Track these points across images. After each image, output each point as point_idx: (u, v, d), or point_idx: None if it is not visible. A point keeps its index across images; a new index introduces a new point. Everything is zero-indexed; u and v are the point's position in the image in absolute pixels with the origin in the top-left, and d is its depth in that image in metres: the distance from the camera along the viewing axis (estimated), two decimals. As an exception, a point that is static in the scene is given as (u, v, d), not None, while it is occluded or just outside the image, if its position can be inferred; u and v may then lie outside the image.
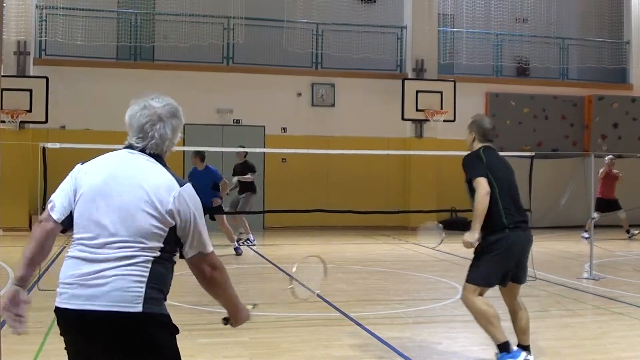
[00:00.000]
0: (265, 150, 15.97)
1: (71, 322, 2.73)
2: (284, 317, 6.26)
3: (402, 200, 17.42)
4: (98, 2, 16.75)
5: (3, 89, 13.83)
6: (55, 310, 2.80)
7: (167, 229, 2.71)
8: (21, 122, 15.19)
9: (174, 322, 2.80)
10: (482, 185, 5.16)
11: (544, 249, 13.06)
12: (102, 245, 2.69)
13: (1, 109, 14.19)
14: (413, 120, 17.42)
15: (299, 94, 17.65)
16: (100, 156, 2.89)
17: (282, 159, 17.09)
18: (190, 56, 16.82)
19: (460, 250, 14.12)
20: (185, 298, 7.63)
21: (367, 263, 11.39)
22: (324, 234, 15.68)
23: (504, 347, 4.98)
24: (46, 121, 15.24)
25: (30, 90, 15.00)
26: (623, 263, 12.07)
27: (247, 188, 13.23)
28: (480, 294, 5.11)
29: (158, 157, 2.85)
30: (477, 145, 5.57)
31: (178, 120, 2.90)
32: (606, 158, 15.11)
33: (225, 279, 2.85)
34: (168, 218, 2.70)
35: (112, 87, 16.52)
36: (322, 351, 5.83)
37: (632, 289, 8.97)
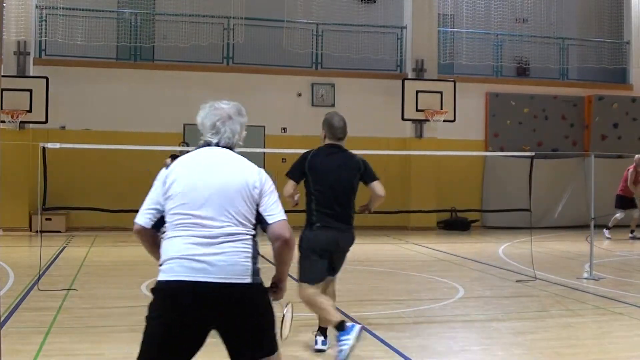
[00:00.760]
0: (265, 150, 15.95)
1: (184, 293, 3.06)
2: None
3: (402, 200, 17.40)
4: (98, 2, 16.75)
5: (3, 89, 13.84)
6: (161, 284, 3.13)
7: (255, 207, 3.22)
8: (21, 122, 15.18)
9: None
10: (286, 185, 5.43)
11: (544, 249, 13.06)
12: (210, 227, 3.12)
13: (1, 109, 14.18)
14: (413, 120, 17.41)
15: (299, 94, 17.65)
16: (185, 155, 3.31)
17: (282, 159, 17.04)
18: (190, 56, 16.81)
19: (460, 250, 14.14)
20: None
21: (367, 263, 11.39)
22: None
23: (340, 327, 5.15)
24: (46, 121, 15.23)
25: (30, 90, 14.99)
26: (623, 263, 12.07)
27: None
28: (317, 289, 5.42)
29: (231, 149, 3.34)
30: (326, 142, 5.58)
31: (244, 117, 3.41)
32: (636, 157, 15.18)
33: (294, 244, 3.31)
34: (257, 197, 3.22)
35: (112, 87, 16.54)
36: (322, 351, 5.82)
37: (632, 289, 8.98)
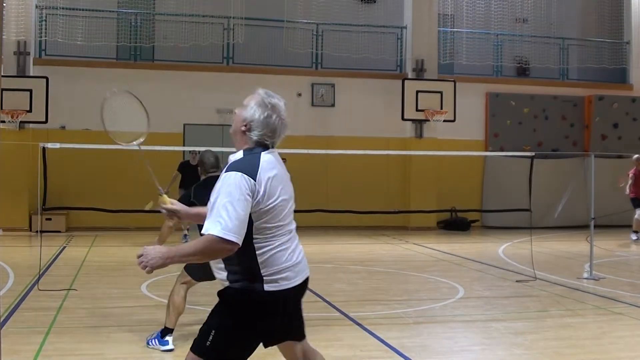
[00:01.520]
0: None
1: (293, 295, 3.33)
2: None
3: (402, 200, 17.42)
4: (98, 2, 16.75)
5: (3, 89, 13.84)
6: (274, 294, 3.24)
7: None
8: (21, 122, 15.18)
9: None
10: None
11: (544, 249, 13.06)
12: (294, 229, 3.38)
13: (1, 109, 14.19)
14: (413, 120, 17.41)
15: (299, 94, 17.65)
16: (264, 160, 3.24)
17: (282, 159, 17.06)
18: (190, 56, 16.81)
19: (460, 250, 14.13)
20: (185, 298, 7.64)
21: (367, 263, 11.39)
22: (324, 234, 15.69)
23: (165, 332, 5.75)
24: (46, 121, 15.23)
25: (30, 90, 14.99)
26: (623, 263, 12.07)
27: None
28: (189, 285, 5.90)
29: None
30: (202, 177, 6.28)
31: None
32: (634, 157, 15.16)
33: None
34: None
35: (112, 87, 16.41)
36: (322, 351, 5.81)
37: (632, 289, 8.98)
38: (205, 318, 3.34)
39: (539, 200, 14.63)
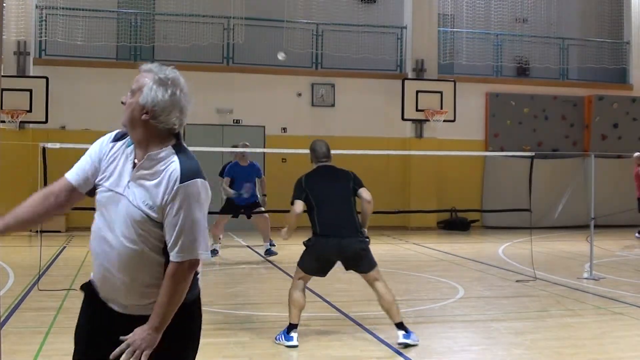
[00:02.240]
0: (265, 150, 15.96)
1: None
2: (284, 317, 6.25)
3: (402, 200, 17.41)
4: (98, 2, 16.74)
5: (3, 89, 13.83)
6: None
7: None
8: (21, 122, 15.19)
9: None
10: (294, 206, 6.16)
11: (544, 249, 13.06)
12: None
13: (1, 109, 14.19)
14: (413, 120, 17.41)
15: (299, 94, 17.65)
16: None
17: (282, 159, 17.07)
18: (190, 56, 16.81)
19: (460, 250, 14.12)
20: (185, 298, 7.63)
21: (367, 263, 11.37)
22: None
23: (290, 328, 5.96)
24: (46, 121, 15.23)
25: (30, 90, 14.99)
26: (623, 263, 12.06)
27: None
28: (305, 280, 6.13)
29: None
30: (313, 165, 6.45)
31: None
32: (634, 155, 15.15)
33: None
34: None
35: (112, 87, 16.46)
36: (322, 351, 5.83)
37: (632, 289, 8.98)
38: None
39: (539, 200, 14.65)
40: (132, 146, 2.71)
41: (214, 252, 11.31)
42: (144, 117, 2.61)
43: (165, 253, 2.64)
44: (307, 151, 6.70)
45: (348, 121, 17.56)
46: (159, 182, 2.60)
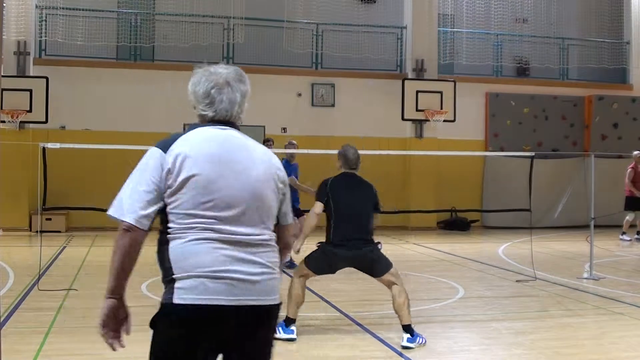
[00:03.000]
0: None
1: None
2: (283, 316, 6.26)
3: (402, 200, 17.40)
4: (98, 2, 16.75)
5: (3, 89, 13.82)
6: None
7: (279, 205, 2.90)
8: (21, 122, 15.19)
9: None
10: (314, 206, 6.21)
11: (544, 249, 13.06)
12: (242, 234, 2.73)
13: (1, 109, 14.19)
14: (413, 120, 17.41)
15: (299, 94, 17.65)
16: (189, 138, 2.72)
17: (282, 159, 17.08)
18: (190, 56, 16.77)
19: (460, 250, 14.12)
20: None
21: (367, 263, 11.36)
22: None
23: (287, 322, 6.05)
24: (46, 121, 15.23)
25: (30, 90, 14.99)
26: (623, 263, 12.07)
27: None
28: (307, 277, 6.25)
29: (235, 126, 2.82)
30: (340, 170, 6.49)
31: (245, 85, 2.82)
32: (634, 153, 15.13)
33: None
34: (282, 192, 2.87)
35: (112, 87, 16.54)
36: (321, 351, 5.83)
37: (632, 289, 8.98)
38: None
39: (539, 200, 14.64)
40: None
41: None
42: (194, 109, 2.78)
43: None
44: (308, 151, 6.78)
45: (348, 121, 17.55)
46: None
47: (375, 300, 8.25)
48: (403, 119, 17.05)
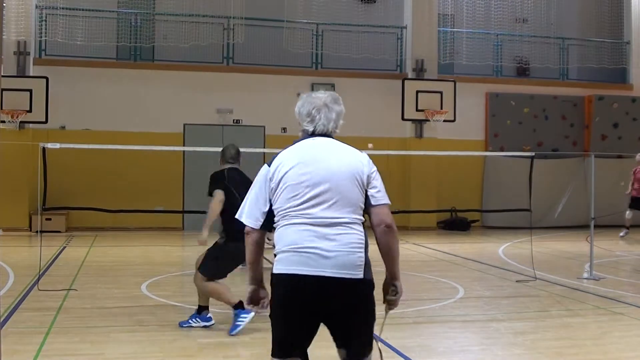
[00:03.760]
0: (265, 150, 15.94)
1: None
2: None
3: (402, 200, 17.40)
4: (98, 2, 16.74)
5: (3, 89, 13.84)
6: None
7: (365, 192, 3.46)
8: (21, 122, 15.18)
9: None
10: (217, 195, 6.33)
11: (544, 249, 13.06)
12: (324, 217, 3.34)
13: (1, 109, 14.19)
14: (413, 120, 17.41)
15: (299, 94, 17.60)
16: (290, 149, 3.42)
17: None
18: (190, 56, 16.81)
19: (460, 250, 14.11)
20: (184, 298, 7.63)
21: (367, 263, 11.36)
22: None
23: (238, 306, 6.19)
24: (46, 121, 15.23)
25: (30, 90, 14.99)
26: (623, 263, 12.07)
27: None
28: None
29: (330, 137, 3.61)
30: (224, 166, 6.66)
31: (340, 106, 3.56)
32: (637, 155, 15.20)
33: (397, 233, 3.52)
34: (366, 182, 3.44)
35: (112, 87, 16.53)
36: (321, 351, 5.81)
37: (632, 289, 8.98)
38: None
39: (539, 200, 14.63)
40: None
41: None
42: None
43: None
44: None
45: (348, 121, 17.27)
46: None
47: (375, 300, 8.25)
48: (403, 119, 17.06)
